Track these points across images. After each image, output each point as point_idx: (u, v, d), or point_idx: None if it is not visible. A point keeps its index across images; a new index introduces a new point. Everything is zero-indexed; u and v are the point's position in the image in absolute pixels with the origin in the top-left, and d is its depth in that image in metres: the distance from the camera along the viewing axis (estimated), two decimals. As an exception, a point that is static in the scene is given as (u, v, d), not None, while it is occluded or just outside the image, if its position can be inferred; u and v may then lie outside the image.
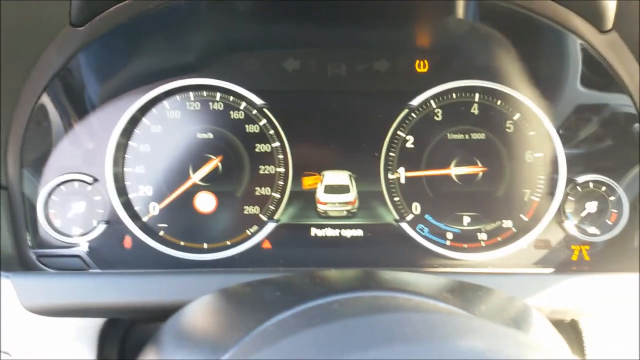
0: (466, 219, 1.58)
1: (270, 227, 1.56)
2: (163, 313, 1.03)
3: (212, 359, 0.77)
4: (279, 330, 0.68)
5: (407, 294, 0.81)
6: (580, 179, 1.55)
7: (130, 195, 1.55)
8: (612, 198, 1.55)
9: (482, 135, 1.59)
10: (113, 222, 1.52)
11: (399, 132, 1.58)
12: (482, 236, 1.58)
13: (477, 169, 1.58)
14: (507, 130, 1.58)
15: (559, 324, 1.29)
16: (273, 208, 1.57)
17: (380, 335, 0.55)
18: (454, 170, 1.58)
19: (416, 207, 1.59)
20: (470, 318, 0.68)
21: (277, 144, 1.57)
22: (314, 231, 1.58)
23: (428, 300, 0.78)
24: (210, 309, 0.99)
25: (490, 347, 0.53)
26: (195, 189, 1.56)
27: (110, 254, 1.51)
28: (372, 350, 0.51)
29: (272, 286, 0.96)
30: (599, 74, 1.53)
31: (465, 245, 1.58)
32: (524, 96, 1.55)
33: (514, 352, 0.53)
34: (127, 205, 1.54)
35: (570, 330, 1.30)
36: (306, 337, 0.59)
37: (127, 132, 1.54)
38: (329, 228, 1.58)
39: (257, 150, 1.58)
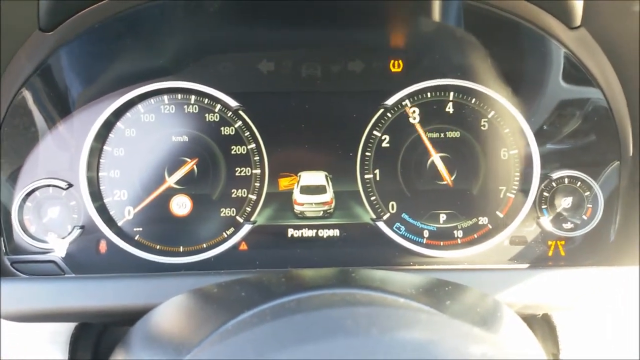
0: (442, 217, 1.59)
1: (246, 228, 1.56)
2: (137, 316, 1.03)
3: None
4: (233, 329, 0.68)
5: (369, 291, 0.81)
6: (555, 174, 1.56)
7: (105, 200, 1.55)
8: (587, 193, 1.56)
9: (457, 134, 1.59)
10: (88, 227, 1.51)
11: (374, 132, 1.58)
12: (458, 233, 1.59)
13: (448, 179, 1.58)
14: (482, 128, 1.59)
15: (532, 319, 1.29)
16: (249, 210, 1.57)
17: (320, 329, 0.55)
18: (436, 157, 1.58)
19: (393, 206, 1.59)
20: (417, 310, 0.68)
21: (253, 145, 1.57)
22: (290, 232, 1.58)
23: (388, 296, 0.77)
24: (178, 311, 0.99)
25: (431, 338, 0.53)
26: (170, 192, 1.56)
27: (86, 259, 1.50)
28: (310, 344, 0.51)
29: (238, 287, 0.96)
30: (570, 69, 1.55)
31: (442, 243, 1.58)
32: (497, 94, 1.56)
33: (456, 343, 0.53)
34: (102, 210, 1.53)
35: (544, 325, 1.31)
36: (251, 335, 0.59)
37: (101, 136, 1.53)
38: (305, 229, 1.58)
39: (232, 152, 1.57)
